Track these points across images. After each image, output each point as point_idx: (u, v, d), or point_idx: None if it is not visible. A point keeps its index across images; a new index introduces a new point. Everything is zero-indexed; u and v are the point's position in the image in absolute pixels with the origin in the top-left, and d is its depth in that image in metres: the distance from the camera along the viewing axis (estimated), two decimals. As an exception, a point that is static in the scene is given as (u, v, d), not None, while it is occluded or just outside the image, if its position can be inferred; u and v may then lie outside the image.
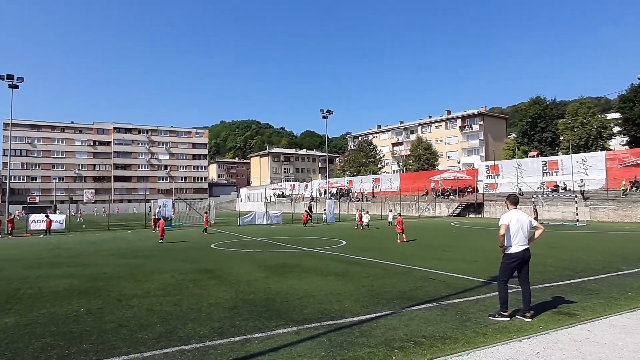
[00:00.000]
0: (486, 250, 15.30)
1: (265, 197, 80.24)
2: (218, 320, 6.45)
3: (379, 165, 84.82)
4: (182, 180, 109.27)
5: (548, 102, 60.72)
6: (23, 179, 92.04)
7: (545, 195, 37.87)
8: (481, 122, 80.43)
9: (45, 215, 30.48)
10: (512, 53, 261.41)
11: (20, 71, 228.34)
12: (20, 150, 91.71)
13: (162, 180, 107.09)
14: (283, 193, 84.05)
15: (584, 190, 36.55)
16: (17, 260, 14.63)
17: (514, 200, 6.79)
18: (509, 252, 6.46)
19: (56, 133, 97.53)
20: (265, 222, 36.26)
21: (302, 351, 5.02)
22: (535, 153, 52.41)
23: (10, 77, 33.39)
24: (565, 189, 38.70)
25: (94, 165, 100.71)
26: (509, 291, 6.46)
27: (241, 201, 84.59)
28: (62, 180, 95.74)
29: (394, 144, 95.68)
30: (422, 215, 47.12)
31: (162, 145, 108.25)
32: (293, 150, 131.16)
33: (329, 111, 51.60)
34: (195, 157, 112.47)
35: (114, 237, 24.72)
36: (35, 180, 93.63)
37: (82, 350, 5.21)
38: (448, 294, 8.05)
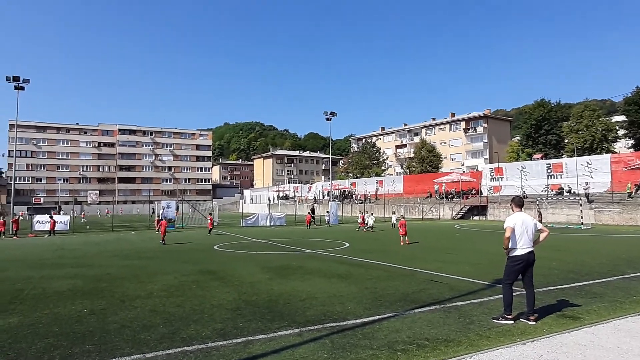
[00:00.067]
0: (490, 252, 15.24)
1: (269, 199, 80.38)
2: (221, 322, 6.45)
3: (383, 168, 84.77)
4: (185, 181, 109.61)
5: (553, 105, 60.53)
6: (28, 180, 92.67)
7: (549, 198, 37.70)
8: (485, 125, 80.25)
9: (49, 216, 30.64)
10: (517, 55, 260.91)
11: (24, 72, 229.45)
12: (26, 151, 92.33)
13: (166, 181, 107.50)
14: (286, 195, 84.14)
15: (588, 193, 36.36)
16: (21, 261, 14.70)
17: (519, 202, 6.76)
18: (513, 254, 6.43)
19: (61, 134, 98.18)
20: (268, 224, 36.29)
21: (304, 353, 5.01)
22: (539, 156, 52.20)
23: (16, 78, 33.64)
24: (569, 191, 38.52)
25: (99, 166, 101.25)
26: (514, 294, 6.42)
27: (244, 203, 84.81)
28: (67, 182, 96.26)
29: (397, 146, 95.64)
30: (425, 218, 47.03)
31: (166, 146, 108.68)
32: (296, 152, 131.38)
33: (332, 113, 51.54)
34: (199, 158, 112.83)
35: (118, 238, 24.81)
36: (40, 181, 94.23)
37: (85, 350, 5.21)
38: (451, 297, 8.01)
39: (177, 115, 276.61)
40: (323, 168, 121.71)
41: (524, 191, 41.56)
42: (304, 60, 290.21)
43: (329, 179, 62.79)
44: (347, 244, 19.16)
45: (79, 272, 11.76)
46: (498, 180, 47.56)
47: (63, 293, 8.87)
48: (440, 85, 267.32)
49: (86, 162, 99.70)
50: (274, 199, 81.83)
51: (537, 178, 43.02)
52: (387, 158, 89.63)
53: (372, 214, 31.92)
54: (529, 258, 6.39)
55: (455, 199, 49.07)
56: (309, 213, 35.87)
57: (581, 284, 9.28)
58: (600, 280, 9.66)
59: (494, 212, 42.71)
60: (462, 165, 79.15)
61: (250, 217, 37.86)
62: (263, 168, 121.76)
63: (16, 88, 33.76)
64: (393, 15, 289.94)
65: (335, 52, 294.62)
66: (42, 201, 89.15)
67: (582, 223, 30.42)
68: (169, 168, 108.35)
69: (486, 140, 79.18)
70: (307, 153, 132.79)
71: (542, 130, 58.30)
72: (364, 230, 28.51)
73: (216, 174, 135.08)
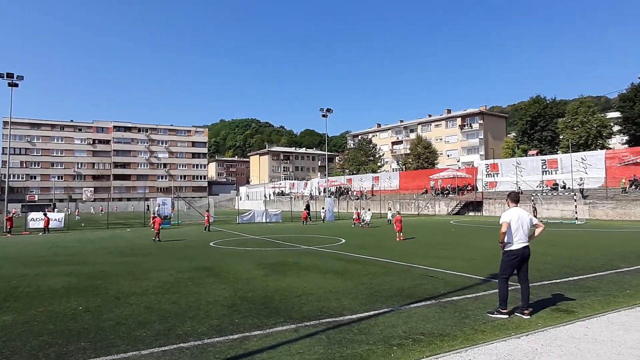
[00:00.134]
0: (485, 248, 15.31)
1: (265, 196, 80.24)
2: (217, 318, 6.44)
3: (379, 164, 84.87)
4: (181, 178, 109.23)
5: (548, 101, 60.74)
6: (22, 178, 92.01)
7: (544, 194, 37.89)
8: (481, 121, 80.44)
9: (43, 214, 30.45)
10: (513, 52, 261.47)
11: (20, 70, 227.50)
12: (20, 148, 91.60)
13: (162, 178, 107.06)
14: (282, 191, 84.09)
15: (583, 189, 36.59)
16: (15, 259, 14.61)
17: (514, 198, 6.80)
18: (509, 249, 6.46)
19: (55, 131, 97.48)
20: (264, 221, 36.25)
21: (300, 349, 5.01)
22: (534, 152, 52.45)
23: (9, 75, 33.36)
24: (564, 187, 38.75)
25: (94, 163, 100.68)
26: (509, 289, 6.45)
27: (240, 199, 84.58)
28: (62, 179, 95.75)
29: (393, 143, 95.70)
30: (421, 214, 47.15)
31: (162, 143, 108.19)
32: (293, 149, 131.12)
33: (328, 110, 51.56)
34: (194, 155, 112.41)
35: (113, 236, 24.70)
36: (35, 178, 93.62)
37: (80, 348, 5.19)
38: (447, 292, 8.04)
39: (172, 112, 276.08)
40: (319, 164, 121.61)
41: (519, 187, 41.76)
42: (300, 57, 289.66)
43: (325, 175, 62.85)
44: (343, 240, 19.18)
45: (73, 270, 11.71)
46: (493, 177, 47.77)
47: (58, 290, 8.83)
48: (436, 82, 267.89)
49: (81, 159, 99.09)
50: (270, 195, 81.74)
51: (532, 174, 43.24)
52: (383, 154, 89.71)
53: (369, 210, 31.97)
54: (524, 253, 6.42)
55: (450, 195, 49.22)
56: (305, 209, 35.86)
57: (575, 278, 9.35)
58: (594, 275, 9.74)
59: (490, 208, 42.88)
60: (458, 161, 79.34)
61: (246, 213, 37.79)
62: (259, 165, 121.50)
63: (10, 85, 33.48)
64: (390, 13, 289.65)
65: (331, 50, 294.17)
66: (36, 199, 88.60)
67: (577, 218, 30.61)
68: (165, 165, 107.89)
69: (482, 137, 79.39)
70: (303, 150, 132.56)
71: (537, 127, 58.51)
72: (360, 226, 28.58)
73: (212, 170, 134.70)
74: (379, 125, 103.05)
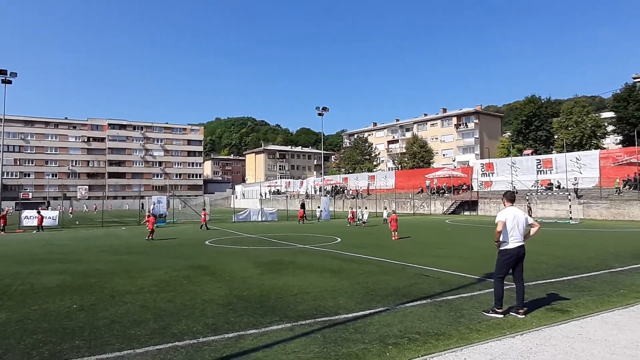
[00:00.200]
0: (480, 247, 15.36)
1: (260, 194, 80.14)
2: (212, 317, 6.42)
3: (375, 163, 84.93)
4: (176, 176, 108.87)
5: (543, 101, 61.03)
6: (16, 175, 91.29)
7: (539, 193, 38.07)
8: (476, 121, 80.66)
9: (37, 212, 30.23)
10: (508, 52, 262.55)
11: (13, 67, 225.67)
12: (14, 146, 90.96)
13: (157, 176, 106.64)
14: (278, 190, 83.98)
15: (577, 189, 36.80)
16: (8, 257, 14.50)
17: (510, 197, 6.83)
18: (504, 248, 6.49)
19: (50, 129, 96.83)
20: (260, 219, 36.20)
21: (296, 347, 5.01)
22: (529, 151, 52.72)
23: (3, 72, 33.07)
24: (559, 187, 38.96)
25: (88, 161, 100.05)
26: (504, 288, 6.48)
27: (236, 198, 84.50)
28: (56, 177, 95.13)
29: (389, 142, 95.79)
30: (416, 213, 47.26)
31: (157, 141, 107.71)
32: (288, 148, 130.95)
33: (324, 108, 51.45)
34: (190, 153, 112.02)
35: (108, 234, 24.59)
36: (29, 176, 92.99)
37: (74, 346, 5.16)
38: (442, 291, 8.07)
39: (168, 110, 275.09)
40: (315, 163, 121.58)
41: (514, 186, 41.94)
42: (297, 56, 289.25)
43: (321, 174, 62.81)
44: (339, 239, 19.19)
45: (68, 268, 11.64)
46: (489, 176, 47.93)
47: (52, 289, 8.77)
48: (432, 81, 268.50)
49: (75, 157, 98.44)
50: (265, 194, 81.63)
51: (527, 173, 43.43)
52: (379, 153, 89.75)
53: (365, 208, 32.04)
54: (519, 252, 6.45)
55: (446, 194, 49.35)
56: (300, 208, 35.81)
57: (570, 277, 9.40)
58: (589, 274, 9.80)
59: (485, 207, 43.04)
60: (454, 160, 79.55)
61: (242, 212, 37.72)
62: (255, 163, 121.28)
63: (3, 82, 33.19)
64: (387, 13, 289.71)
65: (327, 48, 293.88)
66: (30, 196, 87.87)
67: (571, 218, 30.78)
68: (160, 163, 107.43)
69: (477, 136, 79.61)
70: (299, 148, 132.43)
71: (532, 126, 58.77)
72: (355, 225, 28.69)
73: (207, 169, 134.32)
74: (375, 124, 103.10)
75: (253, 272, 10.54)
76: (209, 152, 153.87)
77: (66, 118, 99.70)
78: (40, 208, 36.54)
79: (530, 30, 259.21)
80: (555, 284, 8.66)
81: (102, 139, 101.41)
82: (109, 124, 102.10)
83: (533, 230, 6.76)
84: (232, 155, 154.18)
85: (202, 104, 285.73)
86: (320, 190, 67.25)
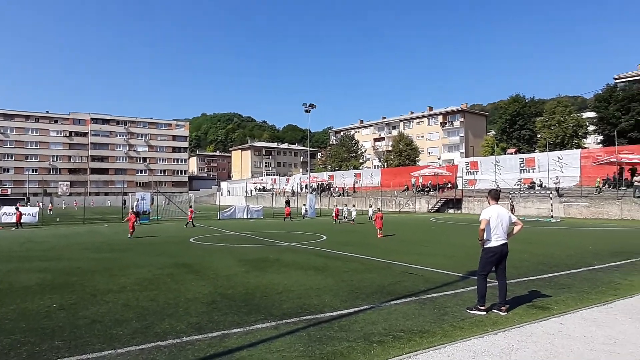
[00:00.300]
0: (465, 245, 15.53)
1: (246, 191, 79.71)
2: (196, 316, 6.36)
3: (361, 161, 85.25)
4: (161, 173, 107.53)
5: (527, 100, 62.01)
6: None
7: (522, 192, 38.69)
8: (462, 119, 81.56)
9: (16, 208, 29.50)
10: (493, 51, 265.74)
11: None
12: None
13: (141, 173, 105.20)
14: (264, 187, 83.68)
15: (558, 187, 37.50)
16: (-14, 254, 14.13)
17: (495, 195, 6.91)
18: (487, 246, 6.56)
19: (30, 123, 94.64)
20: (245, 217, 36.00)
21: (280, 346, 4.99)
22: (513, 150, 53.51)
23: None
24: (541, 185, 39.65)
25: (70, 156, 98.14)
26: (487, 285, 6.56)
27: (221, 195, 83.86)
28: (36, 172, 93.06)
29: (375, 140, 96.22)
30: (402, 211, 47.59)
31: (141, 137, 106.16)
32: (275, 144, 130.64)
33: (311, 105, 51.37)
34: (175, 149, 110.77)
35: (90, 231, 24.16)
36: (8, 171, 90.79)
37: (53, 347, 5.05)
38: (426, 289, 8.13)
39: (153, 105, 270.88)
40: (301, 160, 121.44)
41: (498, 185, 42.51)
42: (283, 53, 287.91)
43: (307, 171, 62.73)
44: (324, 237, 19.21)
45: (48, 266, 11.40)
46: (473, 174, 48.50)
47: (31, 287, 8.57)
48: (418, 79, 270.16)
49: (56, 152, 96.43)
50: (251, 191, 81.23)
51: (510, 172, 44.07)
52: (365, 151, 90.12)
53: (353, 206, 32.21)
54: (502, 250, 6.53)
55: (431, 193, 49.81)
56: (286, 205, 35.75)
57: (550, 275, 9.58)
58: (569, 272, 10.00)
59: (469, 205, 43.57)
60: (439, 159, 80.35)
61: (227, 209, 37.46)
62: (241, 160, 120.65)
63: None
64: (374, 11, 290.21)
65: (314, 45, 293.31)
66: (9, 192, 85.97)
67: (552, 216, 31.38)
68: (144, 159, 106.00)
69: (462, 135, 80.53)
70: (285, 145, 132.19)
71: (516, 125, 59.69)
72: (339, 222, 28.90)
73: (193, 165, 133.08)
74: (362, 121, 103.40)
75: (238, 270, 10.48)
76: (194, 148, 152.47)
77: (47, 112, 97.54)
78: (18, 204, 35.66)
79: (516, 30, 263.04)
80: (537, 282, 8.82)
81: (84, 134, 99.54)
82: (92, 119, 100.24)
83: (516, 229, 6.87)
84: (217, 151, 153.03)
85: (187, 99, 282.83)
86: (306, 188, 67.22)
